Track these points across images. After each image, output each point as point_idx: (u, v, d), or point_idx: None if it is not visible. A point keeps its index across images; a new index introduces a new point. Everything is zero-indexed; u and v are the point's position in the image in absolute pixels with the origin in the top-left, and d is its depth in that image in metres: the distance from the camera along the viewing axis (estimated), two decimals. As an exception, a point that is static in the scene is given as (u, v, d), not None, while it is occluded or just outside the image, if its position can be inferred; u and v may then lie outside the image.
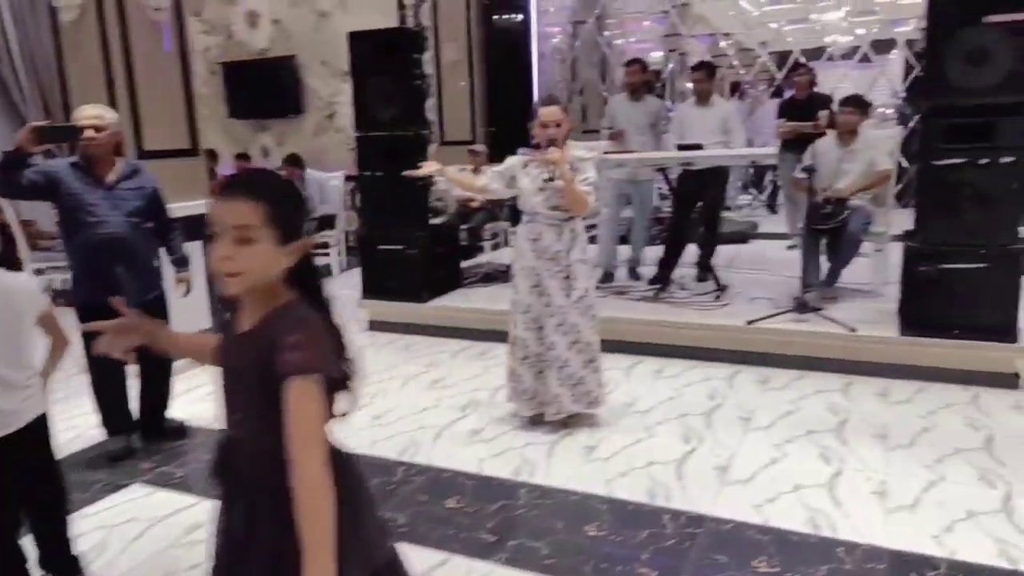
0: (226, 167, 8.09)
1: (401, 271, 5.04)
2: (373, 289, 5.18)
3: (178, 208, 4.41)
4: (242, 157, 8.10)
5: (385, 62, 4.85)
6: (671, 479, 2.85)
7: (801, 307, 4.09)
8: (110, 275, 3.08)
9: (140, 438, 3.43)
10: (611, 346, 4.28)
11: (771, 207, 8.65)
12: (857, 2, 7.60)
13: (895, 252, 4.69)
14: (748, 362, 4.10)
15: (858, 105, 4.50)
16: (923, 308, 3.75)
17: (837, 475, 2.82)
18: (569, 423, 3.36)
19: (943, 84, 3.61)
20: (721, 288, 4.76)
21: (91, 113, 3.05)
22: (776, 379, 3.88)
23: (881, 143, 4.52)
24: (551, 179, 3.07)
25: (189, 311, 4.33)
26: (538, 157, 3.17)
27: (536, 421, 3.39)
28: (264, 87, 8.79)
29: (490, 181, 3.30)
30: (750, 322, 4.09)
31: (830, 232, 4.40)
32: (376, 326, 5.20)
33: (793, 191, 4.69)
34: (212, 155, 8.05)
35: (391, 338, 4.99)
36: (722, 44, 8.74)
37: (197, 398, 3.98)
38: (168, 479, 3.08)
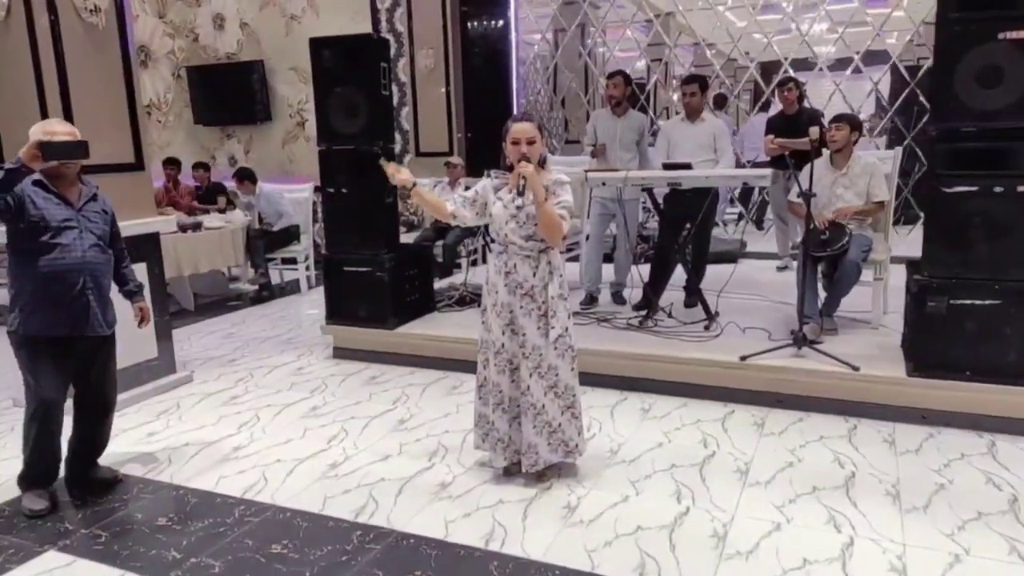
0: (185, 177, 7.66)
1: (368, 295, 4.68)
2: (338, 313, 4.81)
3: (125, 227, 4.04)
4: (201, 167, 7.67)
5: (350, 71, 4.49)
6: (663, 549, 2.51)
7: (799, 342, 3.79)
8: (75, 306, 2.83)
9: (66, 490, 3.05)
10: (594, 380, 3.99)
11: (758, 224, 8.38)
12: (844, 13, 7.35)
13: (894, 278, 4.43)
14: (742, 400, 3.78)
15: (850, 122, 4.22)
16: (931, 346, 3.45)
17: (849, 546, 2.49)
18: (546, 474, 3.01)
19: (953, 105, 3.33)
20: (711, 317, 4.44)
21: (68, 129, 2.82)
22: (773, 422, 3.56)
23: (877, 170, 4.23)
24: (520, 193, 2.72)
25: (136, 341, 3.96)
26: (509, 179, 2.83)
27: (511, 472, 3.05)
28: (231, 93, 8.41)
29: (458, 207, 2.95)
30: (743, 358, 3.78)
31: (828, 260, 4.10)
32: (341, 353, 4.82)
33: (791, 216, 4.40)
34: (174, 164, 7.62)
35: (357, 367, 4.62)
36: (709, 55, 8.46)
37: (138, 439, 3.58)
38: (90, 545, 2.68)
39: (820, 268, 4.23)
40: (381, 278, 4.62)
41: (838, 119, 4.26)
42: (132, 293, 3.15)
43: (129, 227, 4.06)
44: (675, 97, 12.21)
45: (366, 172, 4.58)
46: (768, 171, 4.10)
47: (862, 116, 6.87)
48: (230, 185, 7.95)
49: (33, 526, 2.80)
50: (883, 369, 3.61)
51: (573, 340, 2.94)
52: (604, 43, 9.64)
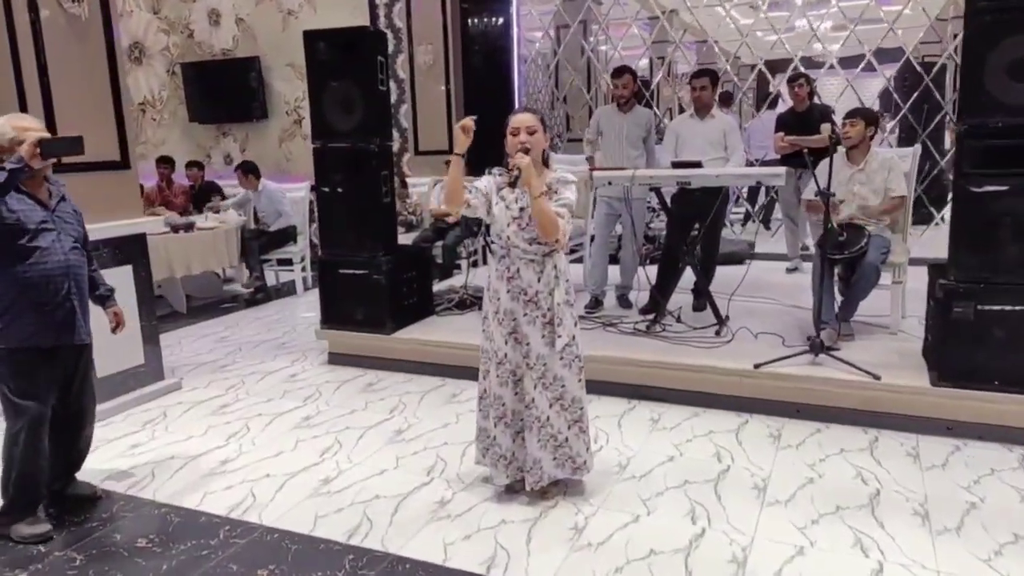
0: (179, 176, 7.48)
1: (364, 298, 4.49)
2: (333, 317, 4.63)
3: (109, 228, 3.88)
4: (194, 165, 7.49)
5: (345, 65, 4.31)
6: (677, 576, 2.34)
7: (815, 348, 3.60)
8: (59, 312, 2.67)
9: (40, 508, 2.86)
10: (600, 388, 3.81)
11: (766, 223, 8.19)
12: (854, 11, 7.16)
13: (911, 281, 4.25)
14: (756, 410, 3.60)
15: (864, 117, 4.03)
16: (957, 354, 3.27)
17: (879, 573, 2.31)
18: (551, 491, 2.83)
19: (982, 100, 3.14)
20: (722, 321, 4.26)
21: (38, 124, 2.67)
22: (790, 433, 3.38)
23: (896, 165, 4.04)
24: (513, 185, 2.53)
25: (121, 347, 3.79)
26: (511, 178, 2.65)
27: (514, 489, 2.86)
28: (227, 90, 8.23)
29: (472, 196, 2.74)
30: (758, 366, 3.60)
31: (845, 262, 3.92)
32: (337, 359, 4.64)
33: (808, 215, 4.21)
34: (168, 162, 7.44)
35: (353, 373, 4.44)
36: (718, 50, 8.28)
37: (121, 452, 3.41)
38: (64, 569, 2.50)
39: (836, 271, 4.04)
40: (378, 281, 4.44)
41: (852, 114, 4.07)
42: (104, 298, 2.96)
43: (114, 228, 3.91)
44: (680, 95, 12.07)
45: (363, 170, 4.41)
46: (783, 169, 3.91)
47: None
48: (224, 183, 7.80)
49: (4, 548, 2.62)
50: (905, 378, 3.43)
51: (580, 349, 2.76)
52: (608, 39, 9.47)
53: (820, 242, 3.90)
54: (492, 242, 2.77)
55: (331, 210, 4.53)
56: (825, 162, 3.66)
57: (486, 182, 2.76)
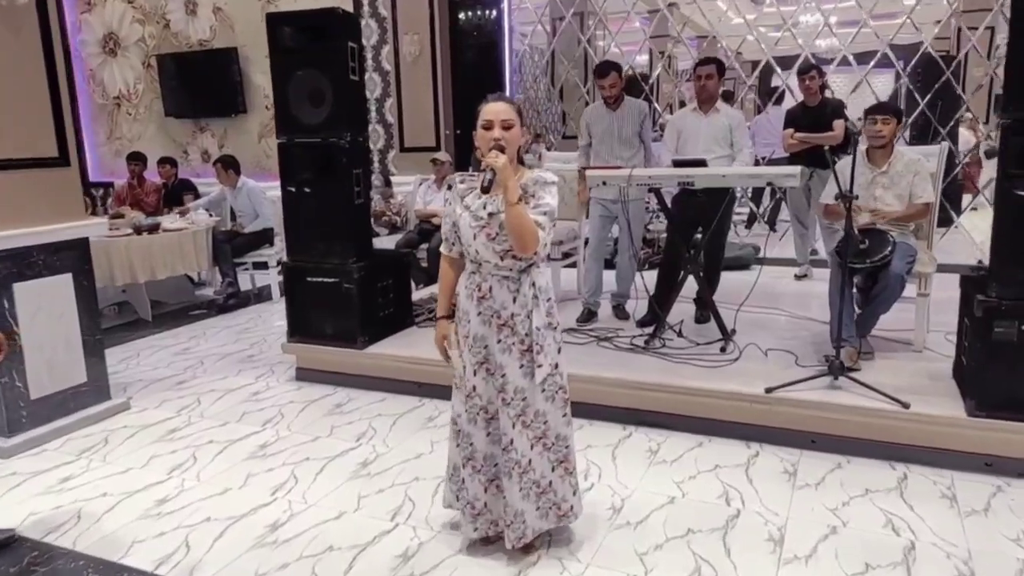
0: (151, 174, 7.07)
1: (334, 309, 4.09)
2: (301, 330, 4.22)
3: (45, 232, 3.48)
4: (167, 162, 7.07)
5: (313, 52, 3.90)
6: (680, 660, 1.93)
7: (835, 370, 3.20)
8: None
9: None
10: (592, 412, 3.43)
11: (771, 224, 7.78)
12: (865, 3, 6.75)
13: (937, 290, 3.85)
14: (767, 440, 3.20)
15: (895, 114, 3.61)
16: (998, 380, 2.86)
17: (924, 659, 1.92)
18: (534, 544, 2.43)
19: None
20: (727, 336, 3.86)
21: None
22: (807, 469, 2.97)
23: (922, 168, 3.63)
24: (485, 189, 2.13)
25: (60, 364, 3.40)
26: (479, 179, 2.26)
27: (489, 540, 2.46)
28: (204, 83, 7.80)
29: (450, 246, 2.37)
30: (769, 390, 3.19)
31: (866, 272, 3.51)
32: (305, 375, 4.24)
33: (826, 219, 3.79)
34: (139, 159, 7.02)
35: (321, 392, 4.03)
36: (723, 44, 7.86)
37: (47, 487, 2.99)
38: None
39: (855, 281, 3.64)
40: (349, 290, 4.03)
41: (882, 110, 3.61)
42: None
43: (51, 232, 3.51)
44: (681, 90, 11.66)
45: (333, 168, 4.00)
46: (797, 169, 3.50)
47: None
48: (202, 182, 7.38)
49: None
50: (937, 406, 3.03)
51: (565, 378, 2.35)
52: (607, 32, 9.04)
53: (839, 249, 3.49)
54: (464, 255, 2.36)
55: (298, 212, 4.11)
56: (844, 161, 3.25)
57: (445, 201, 2.36)
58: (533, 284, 2.23)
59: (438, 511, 2.68)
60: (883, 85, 8.72)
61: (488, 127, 2.18)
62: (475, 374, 2.30)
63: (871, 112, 3.63)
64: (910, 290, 3.63)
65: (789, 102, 7.35)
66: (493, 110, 2.19)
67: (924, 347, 3.73)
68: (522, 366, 2.25)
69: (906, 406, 3.00)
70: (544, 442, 2.32)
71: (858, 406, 3.07)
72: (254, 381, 4.25)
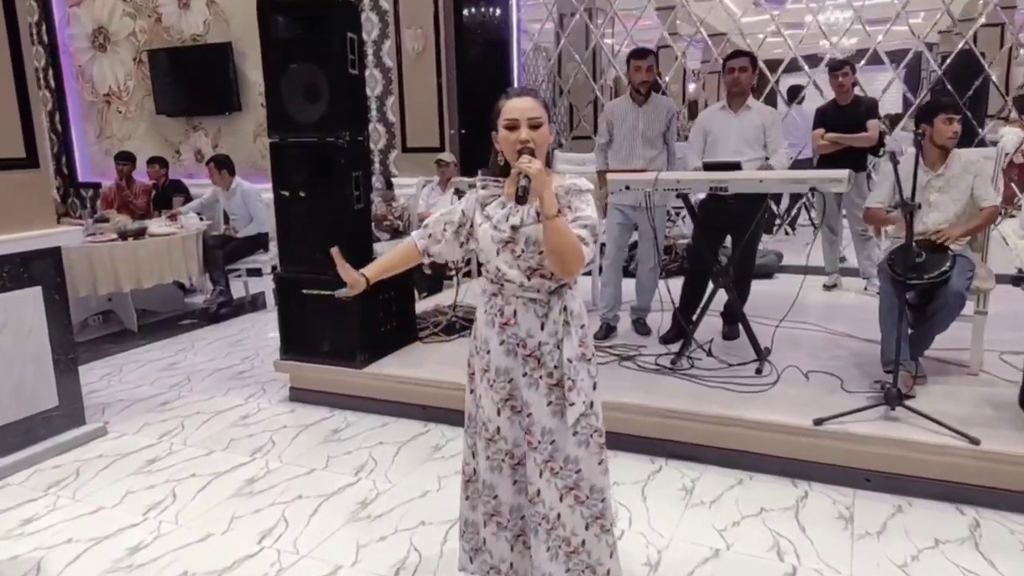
0: (141, 174, 6.72)
1: (331, 325, 3.75)
2: (295, 347, 3.88)
3: (10, 241, 3.14)
4: (156, 162, 6.72)
5: (309, 44, 3.57)
6: None
7: (892, 400, 2.86)
8: None
9: None
10: (617, 442, 3.06)
11: (791, 225, 7.41)
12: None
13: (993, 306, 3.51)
14: (815, 477, 2.86)
15: (959, 112, 3.25)
16: (1084, 414, 2.53)
17: None
18: (560, 607, 2.08)
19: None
20: (762, 356, 3.52)
21: None
22: (865, 513, 2.63)
23: (983, 169, 3.28)
24: (520, 199, 1.78)
25: (28, 387, 3.06)
26: (504, 187, 1.92)
27: (510, 605, 2.12)
28: (197, 79, 7.48)
29: (429, 242, 2.03)
30: (819, 421, 2.85)
31: (921, 288, 3.16)
32: (299, 395, 3.90)
33: (871, 224, 3.43)
34: (127, 159, 6.67)
35: (317, 415, 3.69)
36: (745, 43, 7.51)
37: (6, 531, 2.65)
38: None
39: (908, 297, 3.29)
40: (349, 303, 3.68)
41: (956, 108, 3.21)
42: None
43: (19, 241, 3.16)
44: (691, 88, 11.33)
45: (330, 170, 3.66)
46: (844, 172, 3.16)
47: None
48: (194, 183, 7.04)
49: None
50: (1009, 441, 2.68)
51: (601, 420, 2.01)
52: (619, 28, 8.70)
53: (891, 262, 3.15)
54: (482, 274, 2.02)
55: (292, 218, 3.77)
56: (906, 161, 2.91)
57: (468, 200, 2.01)
58: (565, 308, 1.88)
59: (448, 564, 2.34)
60: (891, 83, 8.36)
61: (513, 127, 1.83)
62: (499, 413, 1.96)
63: (945, 110, 3.23)
64: (966, 307, 3.29)
65: (804, 102, 7.04)
66: (518, 107, 1.84)
67: (981, 369, 3.39)
68: (550, 403, 1.90)
69: (975, 442, 2.65)
70: (576, 494, 1.97)
71: (920, 442, 2.72)
72: (244, 402, 3.91)
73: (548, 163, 1.94)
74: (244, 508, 2.79)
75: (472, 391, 2.05)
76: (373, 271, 2.06)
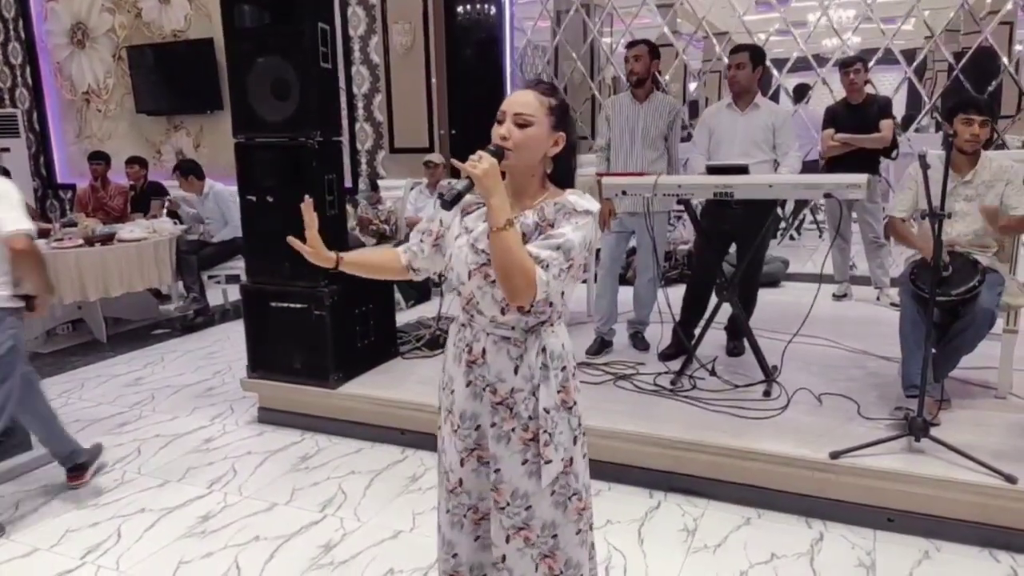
0: (118, 175, 6.42)
1: (303, 341, 3.46)
2: (264, 364, 3.60)
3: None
4: (135, 162, 6.42)
5: (276, 36, 3.27)
6: None
7: (916, 431, 2.57)
8: None
9: None
10: (612, 473, 2.80)
11: (798, 230, 7.12)
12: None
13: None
14: (831, 516, 2.57)
15: (990, 111, 2.94)
16: None
17: None
18: None
19: None
20: (770, 377, 3.23)
21: None
22: (889, 560, 2.34)
23: (1016, 176, 2.98)
24: (448, 201, 1.49)
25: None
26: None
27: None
28: (179, 76, 7.20)
29: (414, 255, 1.76)
30: (836, 455, 2.56)
31: (947, 305, 2.87)
32: (268, 416, 3.61)
33: (896, 237, 3.12)
34: (102, 159, 6.37)
35: (286, 439, 3.40)
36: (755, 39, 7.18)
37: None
38: None
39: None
40: (320, 318, 3.40)
41: (979, 108, 2.89)
42: None
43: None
44: (692, 87, 11.02)
45: (300, 173, 3.37)
46: (863, 177, 2.86)
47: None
48: (172, 184, 6.74)
49: None
50: (1051, 479, 2.40)
51: (582, 481, 1.68)
52: (618, 27, 8.41)
53: (913, 276, 2.86)
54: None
55: (259, 225, 3.48)
56: (937, 166, 2.62)
57: (442, 212, 1.71)
58: (543, 349, 1.57)
59: (416, 625, 2.05)
60: (892, 83, 8.06)
61: (499, 120, 1.54)
62: (462, 464, 1.66)
63: (963, 110, 2.92)
64: (997, 326, 3.00)
65: (810, 102, 6.75)
66: (512, 100, 1.53)
67: (1010, 392, 3.10)
68: (525, 462, 1.60)
69: (1012, 480, 2.36)
70: (551, 564, 1.66)
71: (949, 479, 2.43)
72: (209, 423, 3.62)
73: (556, 176, 1.61)
74: (193, 551, 2.49)
75: (439, 428, 1.76)
76: (349, 257, 1.80)
